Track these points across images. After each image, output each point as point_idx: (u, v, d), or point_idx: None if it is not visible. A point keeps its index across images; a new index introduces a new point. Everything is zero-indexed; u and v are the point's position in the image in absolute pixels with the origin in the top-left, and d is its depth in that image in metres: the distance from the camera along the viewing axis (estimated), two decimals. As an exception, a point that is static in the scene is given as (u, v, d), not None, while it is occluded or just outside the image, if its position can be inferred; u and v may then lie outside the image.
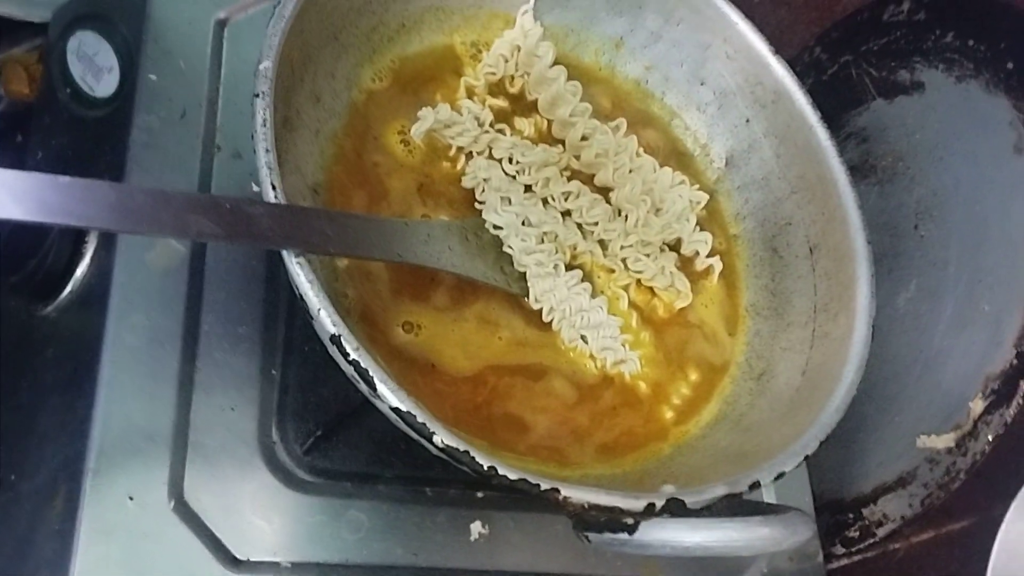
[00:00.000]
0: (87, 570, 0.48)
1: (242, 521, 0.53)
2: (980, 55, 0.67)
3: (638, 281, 0.62)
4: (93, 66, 0.64)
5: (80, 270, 0.57)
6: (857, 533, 0.69)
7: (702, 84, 0.69)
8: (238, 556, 0.52)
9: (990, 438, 0.60)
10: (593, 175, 0.64)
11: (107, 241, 0.56)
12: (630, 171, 0.64)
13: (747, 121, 0.67)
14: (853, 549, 0.69)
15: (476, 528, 0.58)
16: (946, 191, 0.69)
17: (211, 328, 0.56)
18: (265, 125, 0.45)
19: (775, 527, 0.44)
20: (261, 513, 0.53)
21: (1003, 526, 0.56)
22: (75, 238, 0.57)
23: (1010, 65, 0.64)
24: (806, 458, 0.51)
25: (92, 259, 0.57)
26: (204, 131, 0.61)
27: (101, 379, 0.52)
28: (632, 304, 0.61)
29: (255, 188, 0.59)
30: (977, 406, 0.61)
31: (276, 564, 0.53)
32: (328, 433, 0.56)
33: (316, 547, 0.54)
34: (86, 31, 0.65)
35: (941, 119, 0.71)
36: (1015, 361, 0.60)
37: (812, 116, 0.63)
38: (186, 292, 0.56)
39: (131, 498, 0.51)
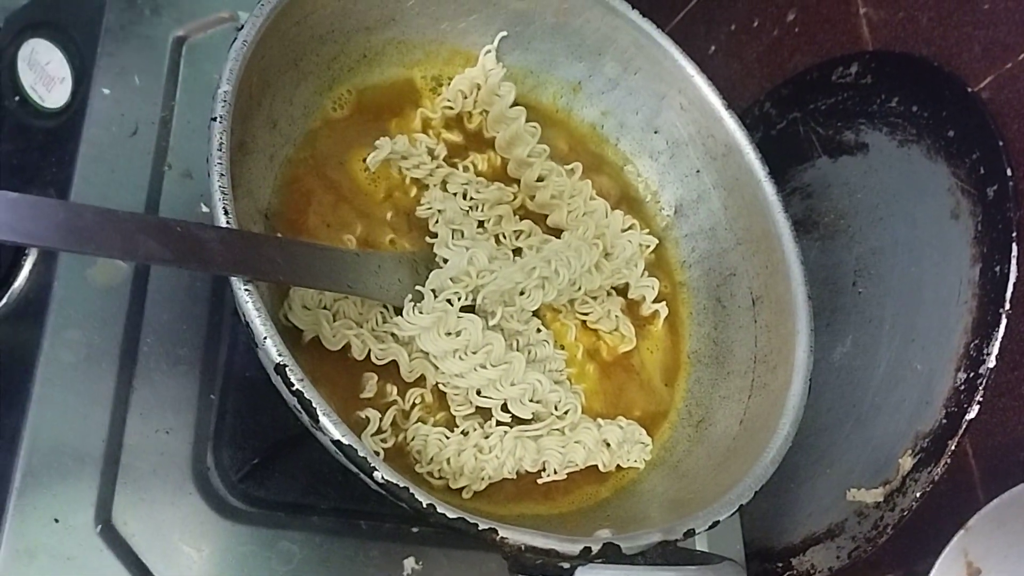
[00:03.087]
0: (7, 592, 0.47)
1: (170, 547, 0.52)
2: (923, 121, 0.69)
3: (584, 323, 0.63)
4: (45, 75, 0.63)
5: (18, 282, 0.55)
6: (786, 583, 0.70)
7: (656, 133, 0.70)
8: (164, 584, 0.51)
9: (918, 495, 0.61)
10: (546, 216, 0.65)
11: (48, 254, 0.55)
12: (583, 214, 0.64)
13: (697, 172, 0.69)
14: (781, 598, 0.70)
15: (409, 564, 0.57)
16: (884, 251, 0.71)
17: (150, 349, 0.55)
18: (221, 149, 0.45)
19: (708, 576, 0.45)
20: (190, 540, 0.52)
21: (927, 582, 0.57)
22: (14, 250, 0.56)
23: (951, 133, 0.67)
24: (740, 507, 0.51)
25: (31, 272, 0.55)
26: (155, 149, 0.60)
27: (33, 396, 0.51)
28: (577, 339, 0.62)
29: (204, 208, 0.59)
30: (906, 463, 0.63)
31: (203, 593, 0.52)
32: (265, 461, 0.55)
33: (246, 578, 0.53)
34: (40, 39, 0.64)
35: (883, 181, 0.73)
36: (944, 421, 0.61)
37: (760, 171, 0.65)
38: (127, 310, 0.55)
39: (56, 520, 0.49)
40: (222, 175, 0.44)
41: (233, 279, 0.43)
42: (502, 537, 0.44)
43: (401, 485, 0.43)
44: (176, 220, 0.41)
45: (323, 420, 0.42)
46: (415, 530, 0.58)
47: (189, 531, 0.53)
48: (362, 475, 0.44)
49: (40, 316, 0.53)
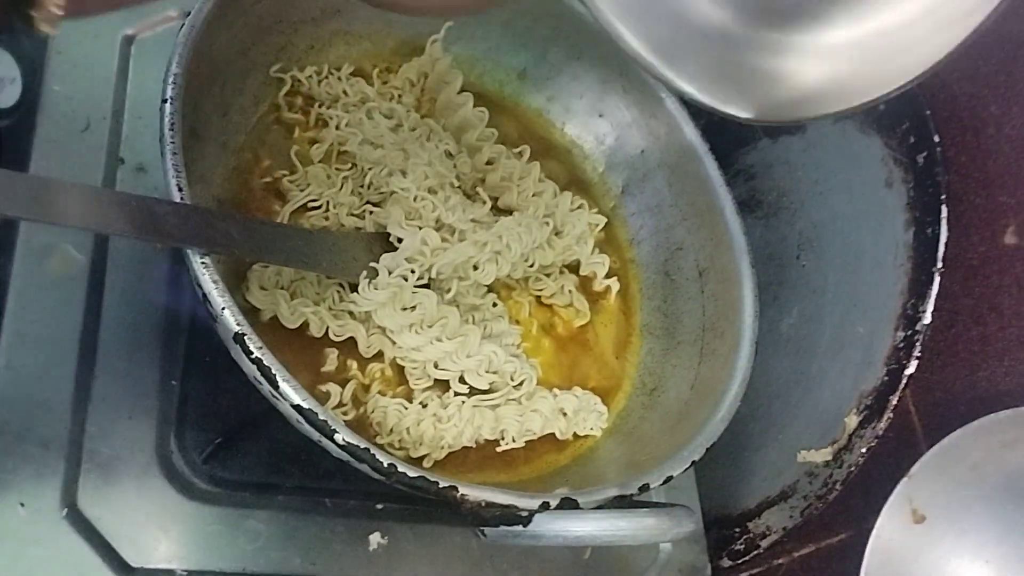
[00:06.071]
0: (-26, 575, 0.47)
1: (137, 529, 0.52)
2: (855, 98, 0.72)
3: (538, 300, 0.64)
4: (-6, 77, 0.63)
5: (-26, 276, 0.56)
6: (743, 546, 0.71)
7: (600, 116, 0.72)
8: (132, 564, 0.51)
9: (863, 450, 0.64)
10: (497, 197, 0.66)
11: (3, 246, 0.56)
12: (533, 195, 0.66)
13: (642, 152, 0.71)
14: (740, 561, 0.72)
15: (375, 539, 0.58)
16: (824, 223, 0.74)
17: (110, 337, 0.56)
18: (172, 129, 0.46)
19: (661, 518, 0.46)
20: (157, 522, 0.53)
21: (874, 531, 0.60)
22: (-30, 244, 0.56)
23: (882, 107, 0.69)
24: (693, 463, 0.53)
25: (-12, 265, 0.56)
26: (108, 143, 0.61)
27: (-6, 385, 0.51)
28: (532, 315, 0.63)
29: (159, 200, 0.60)
30: (852, 421, 0.65)
31: (171, 572, 0.52)
32: (227, 442, 0.56)
33: (213, 556, 0.53)
34: (-13, 43, 0.64)
35: (821, 157, 0.75)
36: (886, 378, 0.64)
37: (701, 147, 0.67)
38: (84, 300, 0.56)
39: (22, 504, 0.50)
40: (175, 154, 0.46)
41: (189, 251, 0.44)
42: (462, 494, 0.46)
43: (362, 447, 0.44)
44: (132, 195, 0.42)
45: (283, 386, 0.43)
46: (380, 507, 0.59)
47: (155, 513, 0.53)
48: (324, 440, 0.45)
49: (-2, 307, 0.54)
